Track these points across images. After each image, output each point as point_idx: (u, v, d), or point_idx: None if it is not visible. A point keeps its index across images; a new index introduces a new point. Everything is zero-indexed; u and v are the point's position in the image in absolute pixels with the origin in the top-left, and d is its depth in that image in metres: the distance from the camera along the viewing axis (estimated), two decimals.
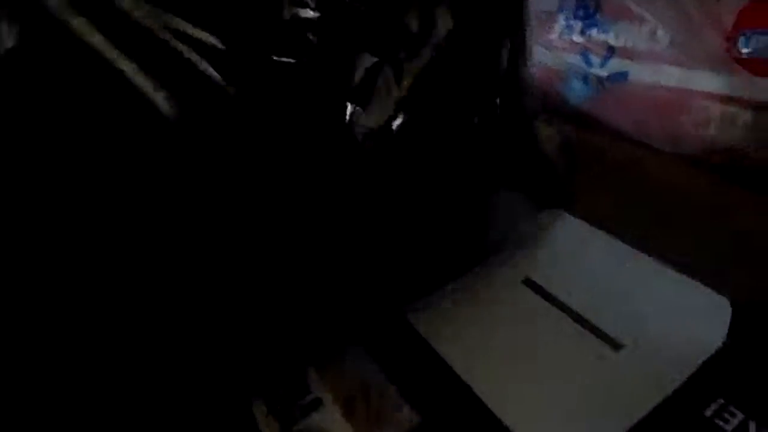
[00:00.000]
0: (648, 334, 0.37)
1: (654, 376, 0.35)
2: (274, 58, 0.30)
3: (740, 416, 0.32)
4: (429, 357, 0.39)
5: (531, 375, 0.37)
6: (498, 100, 0.36)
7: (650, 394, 0.34)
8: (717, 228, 0.39)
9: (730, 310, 0.36)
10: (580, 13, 0.50)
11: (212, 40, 0.29)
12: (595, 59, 0.49)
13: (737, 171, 0.42)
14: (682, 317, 0.37)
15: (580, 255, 0.43)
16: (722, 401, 0.33)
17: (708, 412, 0.32)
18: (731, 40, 0.41)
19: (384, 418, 0.38)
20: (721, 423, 0.32)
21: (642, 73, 0.46)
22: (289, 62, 0.30)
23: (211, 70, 0.29)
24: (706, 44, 0.42)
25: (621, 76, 0.48)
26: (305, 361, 0.40)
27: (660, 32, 0.45)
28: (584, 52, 0.49)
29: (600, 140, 0.47)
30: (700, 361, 0.34)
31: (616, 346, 0.37)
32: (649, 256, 0.40)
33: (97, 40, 0.28)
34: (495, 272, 0.42)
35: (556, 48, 0.51)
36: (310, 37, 0.30)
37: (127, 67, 0.28)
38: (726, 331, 0.35)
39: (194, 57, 0.28)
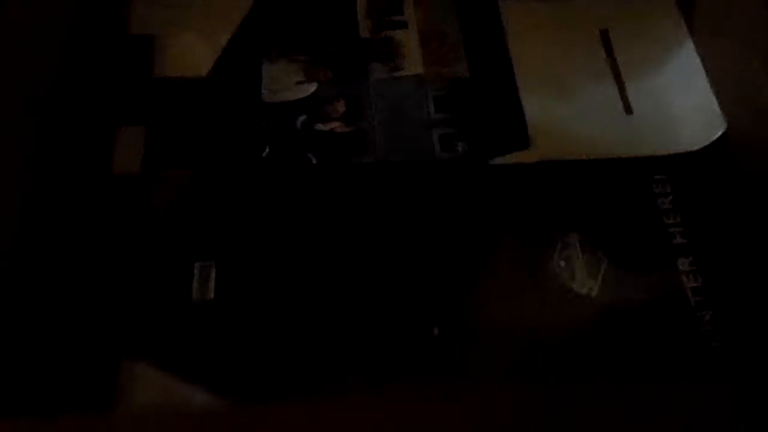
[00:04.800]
0: (654, 115, 0.48)
1: (636, 143, 0.47)
2: None
3: (669, 188, 0.44)
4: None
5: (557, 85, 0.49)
6: None
7: (623, 150, 0.46)
8: None
9: (722, 130, 0.46)
10: None
11: None
12: None
13: None
14: (684, 117, 0.48)
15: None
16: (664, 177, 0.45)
17: (654, 177, 0.45)
18: None
19: (447, 62, 0.50)
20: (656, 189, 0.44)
21: None
22: None
23: None
24: None
25: None
26: None
27: None
28: None
29: None
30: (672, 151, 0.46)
31: (628, 109, 0.48)
32: None
33: None
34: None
35: None
36: None
37: None
38: (705, 144, 0.46)
39: None
